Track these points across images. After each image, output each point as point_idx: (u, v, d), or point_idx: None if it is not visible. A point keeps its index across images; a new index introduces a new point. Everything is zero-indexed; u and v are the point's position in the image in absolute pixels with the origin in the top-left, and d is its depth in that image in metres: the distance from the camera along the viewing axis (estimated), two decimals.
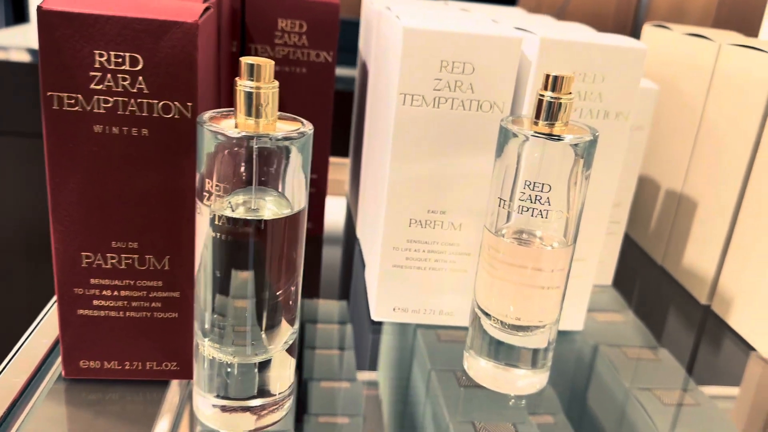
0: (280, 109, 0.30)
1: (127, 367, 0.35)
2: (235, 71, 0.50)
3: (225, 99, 0.45)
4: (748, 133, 0.47)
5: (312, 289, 0.50)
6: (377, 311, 0.44)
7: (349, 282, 0.52)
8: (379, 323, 0.44)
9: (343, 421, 0.37)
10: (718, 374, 0.45)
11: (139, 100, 0.30)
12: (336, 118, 0.68)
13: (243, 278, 0.30)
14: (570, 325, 0.45)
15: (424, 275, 0.43)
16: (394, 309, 0.44)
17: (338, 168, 0.73)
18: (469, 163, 0.40)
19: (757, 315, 0.46)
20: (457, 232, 0.42)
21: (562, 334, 0.45)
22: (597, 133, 0.35)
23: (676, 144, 0.56)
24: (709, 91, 0.52)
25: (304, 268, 0.52)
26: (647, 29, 0.62)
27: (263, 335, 0.31)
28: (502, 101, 0.39)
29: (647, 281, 0.57)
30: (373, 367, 0.42)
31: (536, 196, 0.35)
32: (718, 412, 0.41)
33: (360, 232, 0.55)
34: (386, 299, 0.43)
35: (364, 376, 0.41)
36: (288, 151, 0.29)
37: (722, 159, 0.50)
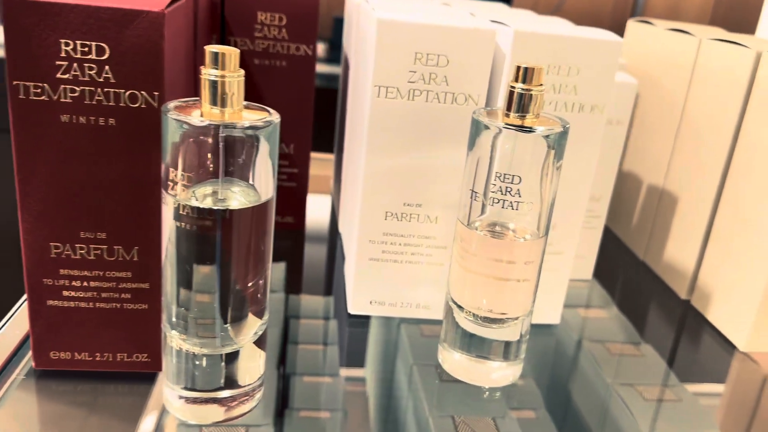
0: (259, 102, 0.30)
1: (97, 359, 0.35)
2: None
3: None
4: (726, 128, 0.47)
5: (295, 284, 0.50)
6: (354, 304, 0.44)
7: (332, 277, 0.52)
8: (365, 318, 0.44)
9: (323, 415, 0.37)
10: (696, 369, 0.45)
11: (105, 89, 0.30)
12: (324, 114, 0.68)
13: (208, 270, 0.29)
14: (547, 318, 0.45)
15: (401, 268, 0.43)
16: (370, 302, 0.44)
17: (325, 164, 0.73)
18: (445, 155, 0.40)
19: (735, 310, 0.46)
20: (433, 225, 0.42)
21: (541, 328, 0.45)
22: (568, 125, 0.34)
23: (658, 139, 0.56)
24: (689, 86, 0.52)
25: (288, 264, 0.52)
26: (631, 25, 0.62)
27: (229, 327, 0.31)
28: (477, 94, 0.39)
29: (629, 276, 0.57)
30: (355, 362, 0.42)
31: (507, 188, 0.35)
32: (700, 407, 0.41)
33: (342, 227, 0.55)
34: (363, 293, 0.43)
35: (347, 371, 0.41)
36: (255, 140, 0.29)
37: (702, 154, 0.50)
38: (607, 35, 0.40)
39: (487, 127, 0.34)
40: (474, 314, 0.37)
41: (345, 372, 0.40)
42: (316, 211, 0.63)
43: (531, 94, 0.34)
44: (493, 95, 0.40)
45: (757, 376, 0.44)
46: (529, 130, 0.34)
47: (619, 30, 0.61)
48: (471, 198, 0.36)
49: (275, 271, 0.51)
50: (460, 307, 0.38)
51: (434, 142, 0.40)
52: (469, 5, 0.55)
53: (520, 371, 0.39)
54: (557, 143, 0.34)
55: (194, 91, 0.43)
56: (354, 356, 0.42)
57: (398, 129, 0.40)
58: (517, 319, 0.37)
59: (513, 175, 0.34)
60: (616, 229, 0.62)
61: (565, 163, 0.41)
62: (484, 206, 0.36)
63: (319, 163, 0.75)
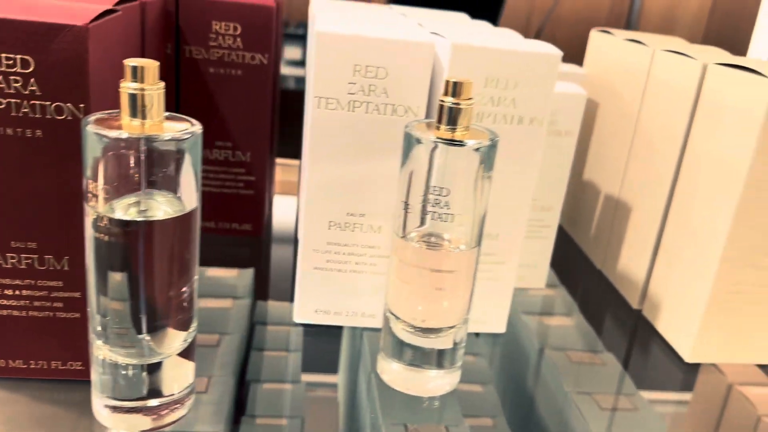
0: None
1: (32, 366, 0.35)
2: (170, 73, 0.51)
3: None
4: (675, 139, 0.48)
5: (259, 291, 0.51)
6: (299, 313, 0.44)
7: (295, 283, 0.52)
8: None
9: (280, 422, 0.37)
10: (643, 379, 0.45)
11: (31, 101, 0.31)
12: (298, 120, 0.69)
13: (128, 280, 0.30)
14: (492, 327, 0.45)
15: (346, 277, 0.43)
16: (315, 311, 0.44)
17: (295, 170, 0.74)
18: (386, 166, 0.41)
19: (681, 321, 0.46)
20: (376, 234, 0.42)
21: (491, 337, 0.46)
22: (497, 138, 0.35)
23: (615, 149, 0.56)
24: (643, 97, 0.52)
25: (256, 268, 0.53)
26: (593, 34, 0.63)
27: (152, 338, 0.31)
28: (416, 105, 0.40)
29: (585, 285, 0.57)
30: (317, 369, 0.42)
31: (437, 199, 0.35)
32: (655, 416, 0.41)
33: (299, 234, 0.55)
34: (308, 301, 0.44)
35: (308, 377, 0.41)
36: (176, 151, 0.30)
37: (653, 165, 0.50)
38: (545, 48, 0.40)
39: (418, 141, 0.35)
40: (410, 324, 0.37)
41: (306, 378, 0.41)
42: (287, 216, 0.64)
43: (460, 108, 0.34)
44: (434, 107, 0.41)
45: (702, 386, 0.45)
46: (459, 143, 0.34)
47: None
48: (404, 210, 0.36)
49: (242, 278, 0.51)
50: (396, 317, 0.38)
51: (375, 152, 0.40)
52: (429, 15, 0.55)
53: (457, 379, 0.40)
54: (486, 155, 0.35)
55: None
56: (316, 363, 0.42)
57: (339, 140, 0.40)
58: (452, 328, 0.38)
59: (443, 188, 0.35)
60: (577, 237, 0.63)
61: (505, 175, 0.41)
62: (424, 217, 0.36)
63: (295, 170, 0.75)
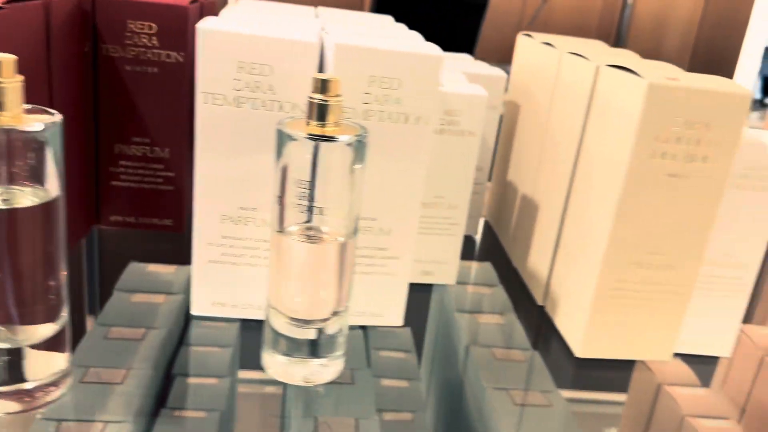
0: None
1: None
2: (88, 71, 0.52)
3: (66, 99, 0.46)
4: (574, 139, 0.49)
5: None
6: (196, 306, 0.45)
7: None
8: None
9: (198, 415, 0.38)
10: (538, 374, 0.46)
11: None
12: None
13: None
14: (389, 320, 0.47)
15: (241, 271, 0.44)
16: (213, 304, 0.45)
17: None
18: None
19: (573, 316, 0.47)
20: (269, 228, 0.43)
21: (393, 331, 0.47)
22: (365, 132, 0.36)
23: (531, 150, 0.57)
24: (552, 99, 0.54)
25: (179, 264, 0.53)
26: (518, 39, 0.64)
27: (11, 326, 0.32)
28: (303, 102, 0.41)
29: (502, 283, 0.58)
30: (246, 364, 0.43)
31: (308, 193, 0.36)
32: (567, 413, 0.42)
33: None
34: (204, 294, 0.45)
35: (235, 372, 0.42)
36: (37, 142, 0.31)
37: (557, 165, 0.51)
38: (428, 49, 0.41)
39: (289, 137, 0.36)
40: (289, 316, 0.39)
41: (231, 373, 0.42)
42: None
43: (328, 105, 0.35)
44: None
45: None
46: (328, 138, 0.35)
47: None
48: (279, 204, 0.37)
49: (180, 274, 0.52)
50: (276, 309, 0.39)
51: (264, 148, 0.41)
52: (347, 17, 0.56)
53: (340, 367, 0.41)
54: (357, 150, 0.36)
55: (43, 98, 0.44)
56: (245, 358, 0.43)
57: (227, 135, 0.41)
58: (331, 318, 0.39)
59: (313, 182, 0.36)
60: (500, 236, 0.64)
61: (393, 172, 0.42)
62: (310, 212, 0.37)
63: None
